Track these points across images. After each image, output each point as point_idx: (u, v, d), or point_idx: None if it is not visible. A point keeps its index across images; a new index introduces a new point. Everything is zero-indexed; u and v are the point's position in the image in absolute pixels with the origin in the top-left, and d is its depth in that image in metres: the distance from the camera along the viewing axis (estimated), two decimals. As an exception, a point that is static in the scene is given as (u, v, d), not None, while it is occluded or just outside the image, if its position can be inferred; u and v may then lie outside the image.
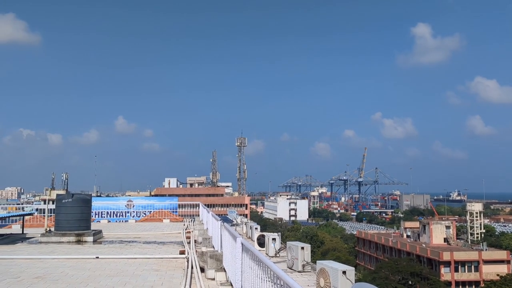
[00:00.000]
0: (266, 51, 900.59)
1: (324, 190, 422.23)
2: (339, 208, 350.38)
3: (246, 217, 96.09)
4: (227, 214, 55.95)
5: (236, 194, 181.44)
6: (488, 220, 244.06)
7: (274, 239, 20.96)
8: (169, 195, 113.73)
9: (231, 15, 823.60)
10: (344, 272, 11.76)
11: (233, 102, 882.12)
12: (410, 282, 73.28)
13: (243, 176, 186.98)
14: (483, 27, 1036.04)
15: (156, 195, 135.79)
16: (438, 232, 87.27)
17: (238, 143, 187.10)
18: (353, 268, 12.38)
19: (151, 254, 18.71)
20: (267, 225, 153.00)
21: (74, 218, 23.16)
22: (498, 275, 70.80)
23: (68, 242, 22.32)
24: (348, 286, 11.43)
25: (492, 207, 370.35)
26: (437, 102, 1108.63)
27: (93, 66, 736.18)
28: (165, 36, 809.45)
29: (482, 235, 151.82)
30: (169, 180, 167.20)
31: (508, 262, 77.28)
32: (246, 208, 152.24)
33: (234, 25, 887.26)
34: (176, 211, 40.13)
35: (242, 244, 9.38)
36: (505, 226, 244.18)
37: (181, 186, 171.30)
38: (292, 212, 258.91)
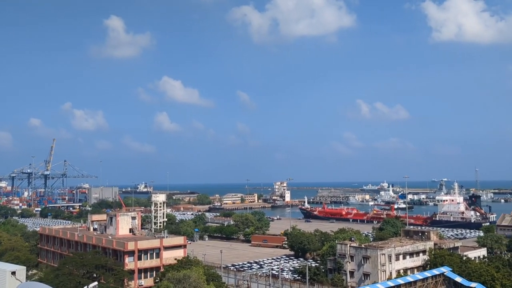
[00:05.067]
0: None
1: (3, 184, 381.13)
2: (21, 204, 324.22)
3: None
4: None
5: None
6: (170, 209, 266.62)
7: None
8: None
9: None
10: (13, 273, 10.66)
11: None
12: (95, 275, 73.10)
13: None
14: (169, 29, 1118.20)
15: None
16: (124, 224, 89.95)
17: None
18: (24, 267, 11.38)
19: None
20: None
21: None
22: (176, 259, 77.90)
23: None
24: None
25: (174, 197, 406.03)
26: (128, 96, 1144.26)
27: None
28: None
29: (165, 224, 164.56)
30: None
31: (184, 246, 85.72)
32: None
33: None
34: None
35: None
36: (184, 214, 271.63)
37: None
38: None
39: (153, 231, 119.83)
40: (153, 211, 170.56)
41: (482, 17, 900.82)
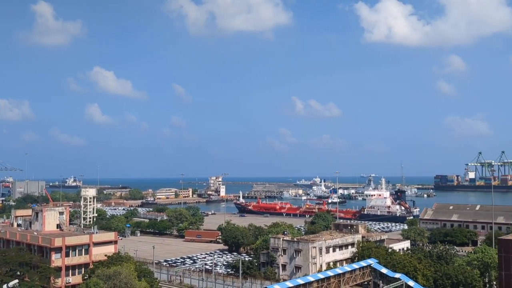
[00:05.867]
0: None
1: None
2: None
3: None
4: None
5: None
6: (101, 204, 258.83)
7: None
8: None
9: None
10: None
11: None
12: (18, 273, 69.81)
13: None
14: (102, 18, 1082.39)
15: None
16: (51, 219, 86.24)
17: None
18: None
19: None
20: None
21: None
22: (106, 255, 75.78)
23: None
24: None
25: (105, 192, 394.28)
26: (57, 86, 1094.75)
27: None
28: None
29: (95, 219, 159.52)
30: None
31: (115, 242, 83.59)
32: None
33: None
34: None
35: None
36: (115, 209, 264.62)
37: None
38: None
39: (82, 227, 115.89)
40: (83, 206, 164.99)
41: (410, 21, 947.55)
